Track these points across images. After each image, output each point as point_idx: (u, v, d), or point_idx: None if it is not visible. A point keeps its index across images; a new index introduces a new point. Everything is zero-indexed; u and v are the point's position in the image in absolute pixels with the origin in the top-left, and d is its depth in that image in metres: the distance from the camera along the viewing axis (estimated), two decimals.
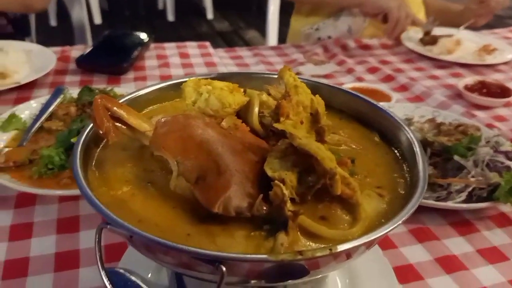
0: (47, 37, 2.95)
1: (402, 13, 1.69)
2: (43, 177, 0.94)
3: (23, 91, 1.37)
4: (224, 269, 0.46)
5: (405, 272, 0.79)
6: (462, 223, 0.92)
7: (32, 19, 2.24)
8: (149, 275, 0.76)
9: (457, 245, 0.85)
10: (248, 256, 0.47)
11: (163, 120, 0.63)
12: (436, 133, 1.13)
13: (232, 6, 6.38)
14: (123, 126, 0.65)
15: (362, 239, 0.49)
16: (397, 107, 1.27)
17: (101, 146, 0.67)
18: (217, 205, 0.53)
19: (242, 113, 0.70)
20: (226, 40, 5.23)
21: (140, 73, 1.49)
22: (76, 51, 1.61)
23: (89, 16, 5.19)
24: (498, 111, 1.33)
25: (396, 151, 0.69)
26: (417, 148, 0.64)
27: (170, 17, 5.66)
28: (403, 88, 1.48)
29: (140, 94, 0.76)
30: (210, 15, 5.86)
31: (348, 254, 0.53)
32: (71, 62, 1.54)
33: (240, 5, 6.34)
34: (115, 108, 0.64)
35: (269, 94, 0.72)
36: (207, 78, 0.69)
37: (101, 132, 0.61)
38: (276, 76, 0.73)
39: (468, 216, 0.93)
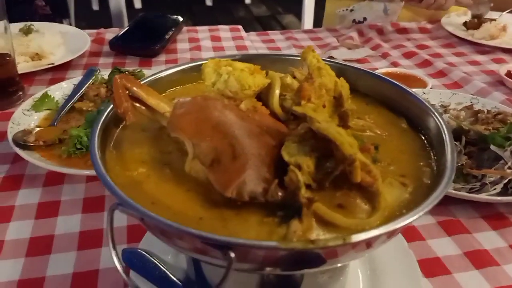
0: (89, 21, 3.01)
1: None
2: (71, 156, 0.96)
3: (58, 72, 1.40)
4: (233, 255, 0.44)
5: (431, 266, 0.76)
6: (496, 216, 0.87)
7: (71, 2, 2.29)
8: (169, 257, 0.76)
9: (489, 239, 0.81)
10: (257, 242, 0.45)
11: (181, 101, 0.62)
12: (473, 121, 1.08)
13: None
14: (142, 107, 0.64)
15: (379, 229, 0.46)
16: (433, 94, 1.21)
17: (121, 126, 0.67)
18: (231, 190, 0.52)
19: (263, 96, 0.68)
20: (263, 24, 5.18)
21: (172, 56, 1.49)
22: (110, 34, 1.63)
23: (129, 1, 5.27)
24: None
25: (424, 138, 0.66)
26: (446, 135, 0.60)
27: (208, 1, 5.67)
28: (440, 74, 1.41)
29: (163, 75, 0.75)
30: None
31: (368, 243, 0.51)
32: (105, 45, 1.56)
33: None
34: (134, 88, 0.64)
35: (294, 77, 0.69)
36: (229, 60, 0.67)
37: (119, 111, 0.61)
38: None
39: (503, 210, 0.88)
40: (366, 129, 0.68)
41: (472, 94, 1.25)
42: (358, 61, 1.51)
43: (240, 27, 1.74)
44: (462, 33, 1.62)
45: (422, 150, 0.63)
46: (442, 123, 0.62)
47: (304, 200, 0.50)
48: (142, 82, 0.70)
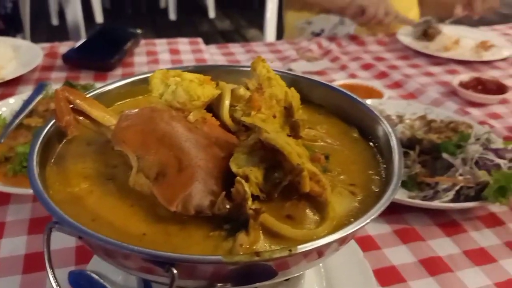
0: (48, 36, 2.93)
1: (381, 10, 1.65)
2: (18, 175, 0.92)
3: (9, 87, 1.34)
4: (175, 271, 0.43)
5: (387, 274, 0.76)
6: (449, 223, 0.88)
7: (26, 16, 2.22)
8: (119, 278, 0.73)
9: (443, 246, 0.82)
10: (200, 257, 0.44)
11: (127, 113, 0.60)
12: (427, 131, 1.10)
13: (234, 4, 6.35)
14: (86, 120, 0.62)
15: (326, 239, 0.46)
16: (389, 104, 1.23)
17: (64, 141, 0.64)
18: (176, 203, 0.50)
19: (214, 107, 0.67)
20: (227, 38, 5.20)
21: (129, 70, 1.46)
22: (64, 47, 1.59)
23: (90, 15, 5.19)
24: (493, 108, 1.29)
25: (374, 147, 0.66)
26: (393, 142, 0.60)
27: (172, 15, 5.64)
28: (396, 85, 1.44)
29: (111, 88, 0.73)
30: (212, 13, 5.84)
31: (319, 252, 0.50)
32: (58, 58, 1.52)
33: (242, 3, 6.31)
34: (77, 101, 0.61)
35: (247, 88, 0.69)
36: (178, 70, 0.66)
37: (60, 125, 0.58)
38: None
39: (456, 217, 0.90)
40: (318, 139, 0.68)
41: (426, 105, 1.28)
42: (317, 73, 1.52)
43: (199, 39, 1.73)
44: (417, 46, 1.67)
45: (372, 159, 0.63)
46: (390, 131, 0.63)
47: (251, 212, 0.49)
48: (88, 95, 0.68)
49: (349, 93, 0.72)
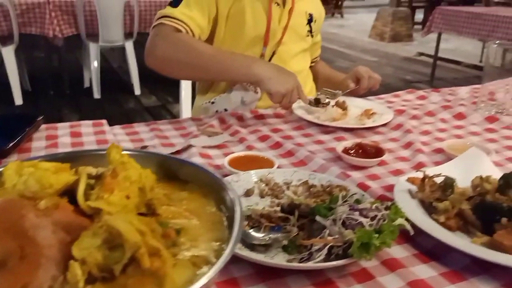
0: None
1: (294, 96, 1.74)
2: None
3: None
4: None
5: None
6: (324, 282, 0.94)
7: None
8: None
9: None
10: None
11: None
12: (308, 195, 1.18)
13: (160, 81, 6.51)
14: None
15: None
16: (277, 173, 1.32)
17: None
18: None
19: (75, 192, 0.70)
20: (153, 114, 5.29)
21: (25, 155, 1.46)
22: None
23: (9, 97, 5.09)
24: (372, 170, 1.42)
25: (226, 219, 0.72)
26: (237, 212, 0.66)
27: (96, 94, 5.68)
28: (289, 153, 1.55)
29: None
30: (137, 91, 5.94)
31: None
32: None
33: (166, 80, 6.47)
34: None
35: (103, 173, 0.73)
36: (34, 161, 0.69)
37: None
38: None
39: (331, 275, 0.96)
40: (176, 215, 0.73)
41: (314, 171, 1.38)
42: (217, 147, 1.60)
43: (104, 121, 1.77)
44: (309, 117, 1.82)
45: (222, 231, 0.69)
46: (235, 197, 0.69)
47: None
48: None
49: (206, 168, 0.79)
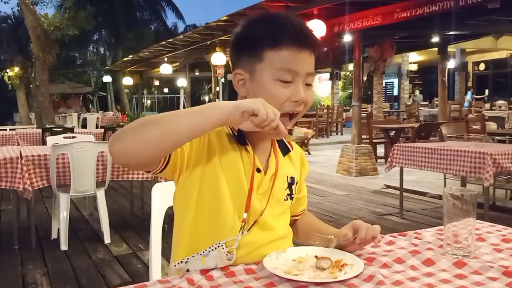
0: None
1: (269, 107, 1.47)
2: None
3: None
4: None
5: None
6: None
7: None
8: None
9: None
10: None
11: None
12: None
13: (132, 228, 6.43)
14: None
15: None
16: None
17: None
18: None
19: None
20: (123, 264, 5.08)
21: None
22: None
23: None
24: None
25: None
26: None
27: (63, 246, 5.47)
28: None
29: None
30: (107, 239, 5.78)
31: None
32: None
33: (140, 226, 6.42)
34: None
35: None
36: None
37: None
38: None
39: None
40: None
41: None
42: None
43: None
44: (280, 272, 1.78)
45: None
46: None
47: None
48: None
49: None
